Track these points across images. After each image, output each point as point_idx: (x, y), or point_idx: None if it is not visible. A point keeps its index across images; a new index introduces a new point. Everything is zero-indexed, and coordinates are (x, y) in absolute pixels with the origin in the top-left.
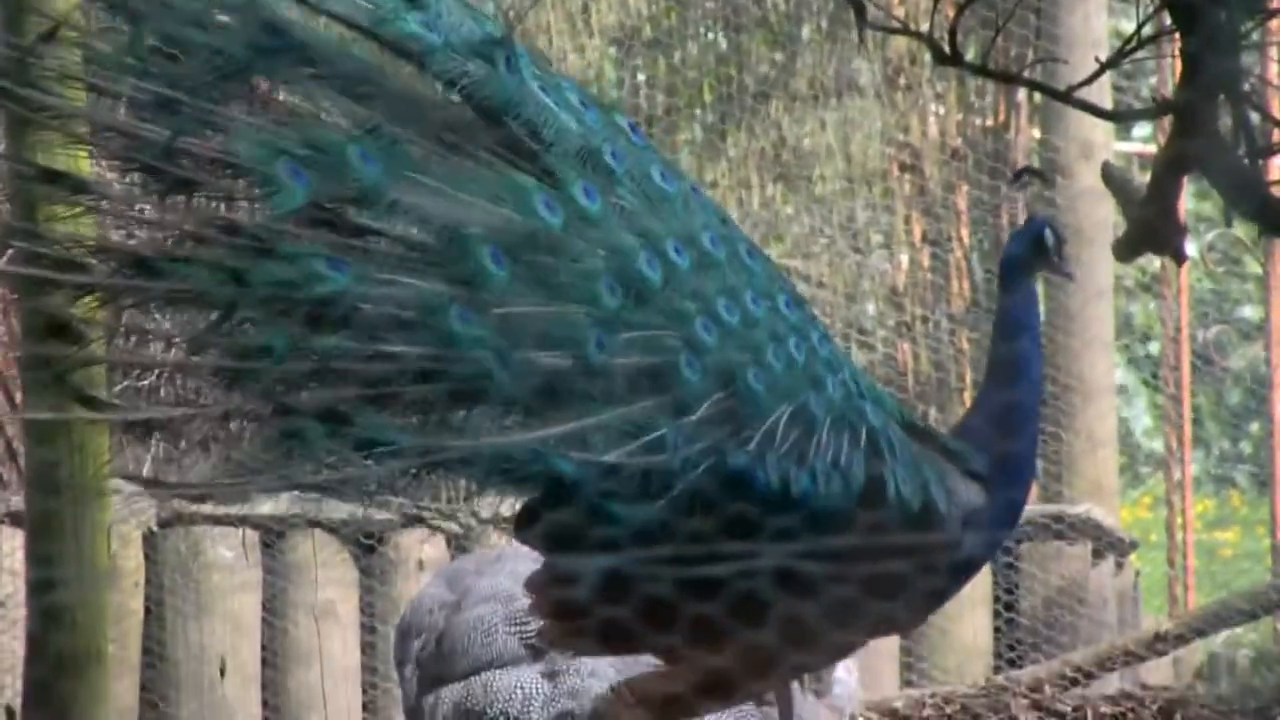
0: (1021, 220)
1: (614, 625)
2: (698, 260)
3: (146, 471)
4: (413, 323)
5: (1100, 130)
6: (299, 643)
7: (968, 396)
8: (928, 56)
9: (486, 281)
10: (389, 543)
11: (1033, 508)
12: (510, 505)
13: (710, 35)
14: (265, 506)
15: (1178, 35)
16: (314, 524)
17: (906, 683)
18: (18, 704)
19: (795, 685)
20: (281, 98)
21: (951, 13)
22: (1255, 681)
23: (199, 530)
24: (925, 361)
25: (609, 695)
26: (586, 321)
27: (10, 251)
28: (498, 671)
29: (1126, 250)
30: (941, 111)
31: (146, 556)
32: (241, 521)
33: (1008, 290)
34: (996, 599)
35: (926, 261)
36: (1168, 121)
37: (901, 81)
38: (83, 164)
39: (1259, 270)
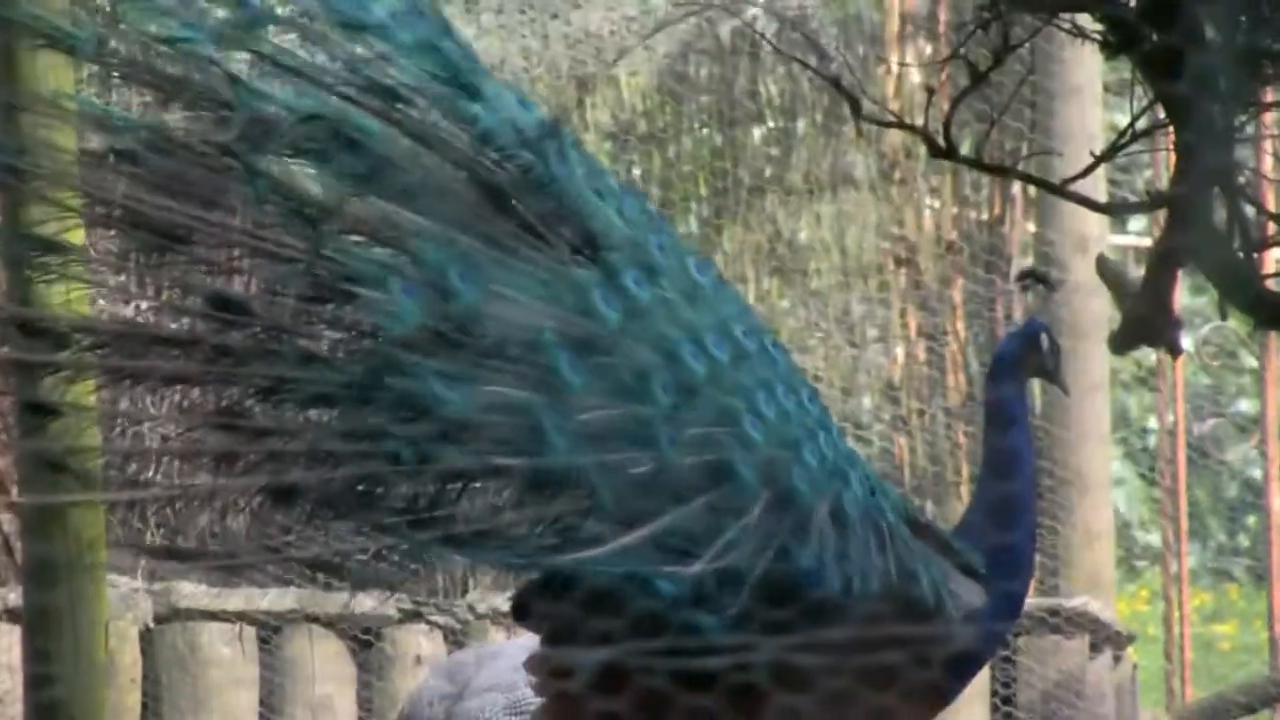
0: (1018, 315)
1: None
2: (735, 354)
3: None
4: (511, 434)
5: (1095, 223)
6: None
7: (964, 490)
8: (922, 150)
9: (563, 384)
10: (386, 638)
11: (1030, 601)
12: (505, 599)
13: (705, 130)
14: (261, 602)
15: (1172, 129)
16: (311, 619)
17: None
18: None
19: None
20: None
21: (946, 106)
22: None
23: (196, 626)
24: (921, 455)
25: None
26: (656, 420)
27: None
28: None
29: (1122, 343)
30: (936, 205)
31: (143, 652)
32: (239, 617)
33: (999, 387)
34: (994, 692)
35: (922, 355)
36: (1162, 214)
37: (896, 175)
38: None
39: (1254, 364)
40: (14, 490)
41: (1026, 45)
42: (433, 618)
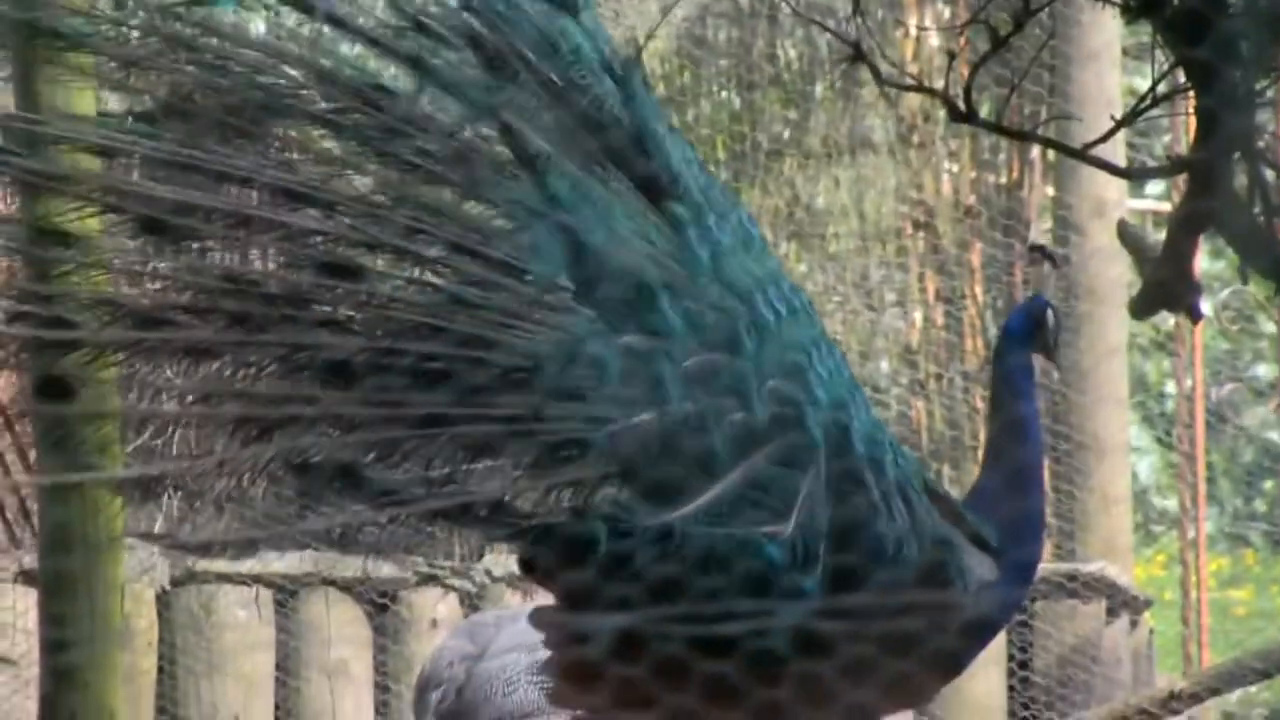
0: (1035, 280)
1: (633, 686)
2: (790, 308)
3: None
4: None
5: (1114, 188)
6: (312, 702)
7: (981, 454)
8: (941, 114)
9: (668, 329)
10: (402, 601)
11: (1047, 566)
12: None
13: (724, 94)
14: (278, 565)
15: (1192, 93)
16: (327, 583)
17: None
18: None
19: None
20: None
21: (966, 70)
22: None
23: (212, 589)
24: (939, 419)
25: None
26: (744, 368)
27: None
28: None
29: (1141, 308)
30: (955, 169)
31: (159, 615)
32: (255, 580)
33: (1006, 360)
34: (1010, 657)
35: (940, 319)
36: (1182, 179)
37: (915, 139)
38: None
39: (1273, 329)
40: (32, 465)
41: (1046, 9)
42: (449, 581)
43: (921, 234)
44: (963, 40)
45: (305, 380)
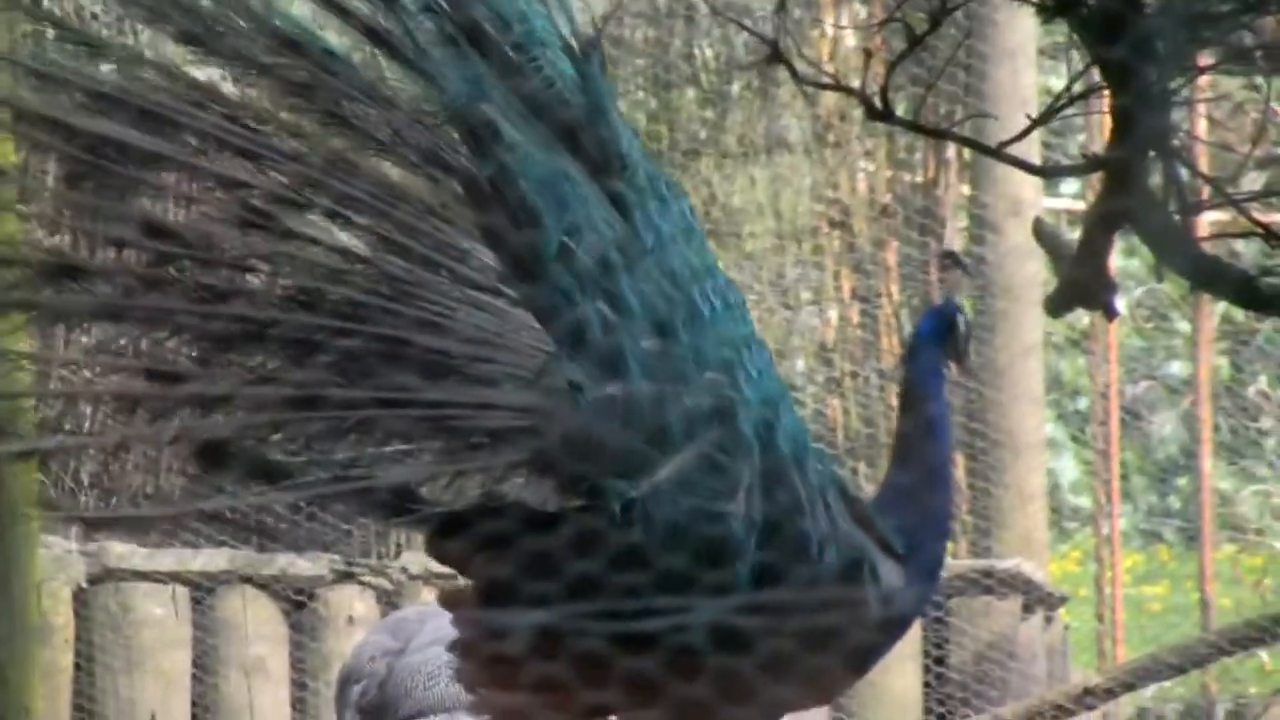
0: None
1: (553, 681)
2: (725, 304)
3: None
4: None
5: (1030, 187)
6: (230, 699)
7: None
8: (858, 113)
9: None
10: (319, 599)
11: (962, 562)
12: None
13: (640, 93)
14: (195, 563)
15: (1107, 92)
16: (245, 580)
17: None
18: None
19: None
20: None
21: (882, 69)
22: None
23: (129, 587)
24: (855, 417)
25: None
26: (683, 354)
27: None
28: (440, 717)
29: (1057, 306)
30: (871, 168)
31: (76, 613)
32: (172, 578)
33: (916, 364)
34: (926, 653)
35: (856, 317)
36: (1097, 178)
37: (831, 138)
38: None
39: (1187, 327)
40: None
41: (962, 8)
42: (366, 579)
43: (837, 233)
44: (879, 39)
45: (216, 351)
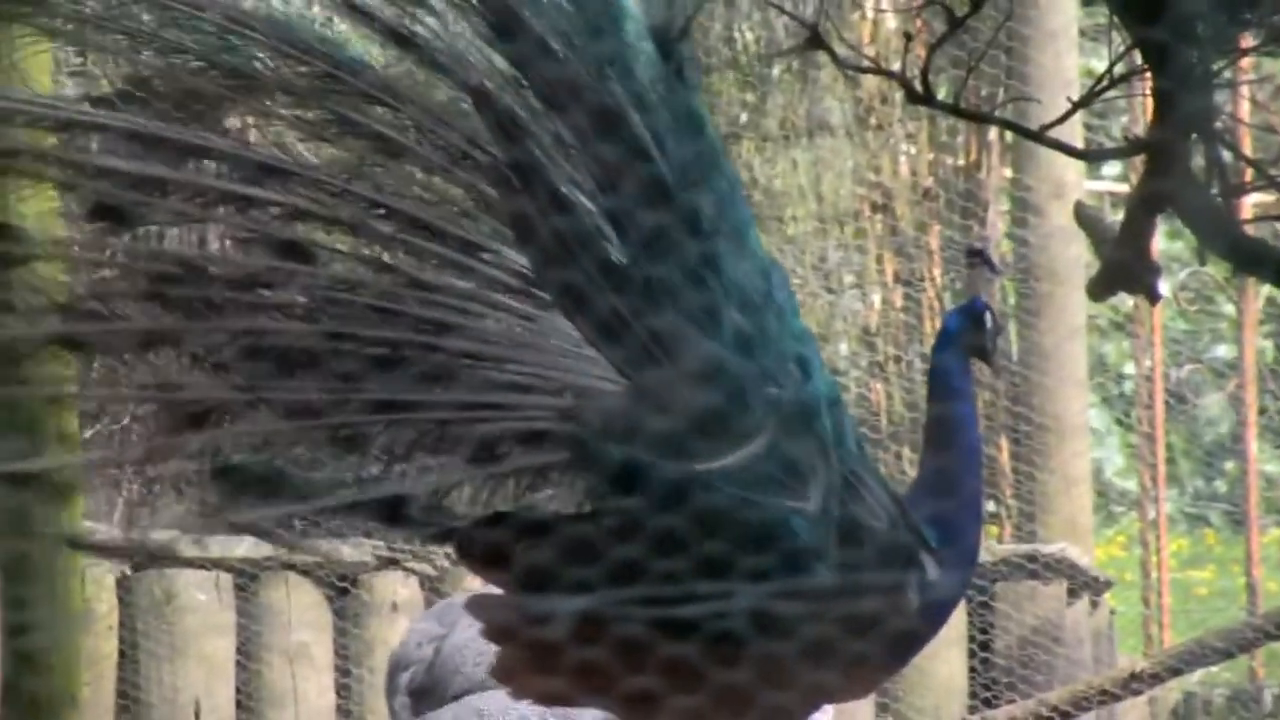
0: (996, 259)
1: (592, 668)
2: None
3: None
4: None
5: (1072, 169)
6: (273, 685)
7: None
8: (899, 96)
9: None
10: (363, 585)
11: (1007, 547)
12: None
13: None
14: (238, 549)
15: (1149, 74)
16: (288, 567)
17: None
18: None
19: None
20: None
21: (923, 52)
22: None
23: (172, 573)
24: (898, 401)
25: None
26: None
27: None
28: (490, 694)
29: (1100, 290)
30: (913, 151)
31: (120, 600)
32: (215, 565)
33: (943, 360)
34: (971, 639)
35: (899, 301)
36: (1139, 160)
37: (873, 121)
38: None
39: (1232, 309)
40: None
41: None
42: (409, 565)
43: (879, 216)
44: (920, 22)
45: (249, 368)
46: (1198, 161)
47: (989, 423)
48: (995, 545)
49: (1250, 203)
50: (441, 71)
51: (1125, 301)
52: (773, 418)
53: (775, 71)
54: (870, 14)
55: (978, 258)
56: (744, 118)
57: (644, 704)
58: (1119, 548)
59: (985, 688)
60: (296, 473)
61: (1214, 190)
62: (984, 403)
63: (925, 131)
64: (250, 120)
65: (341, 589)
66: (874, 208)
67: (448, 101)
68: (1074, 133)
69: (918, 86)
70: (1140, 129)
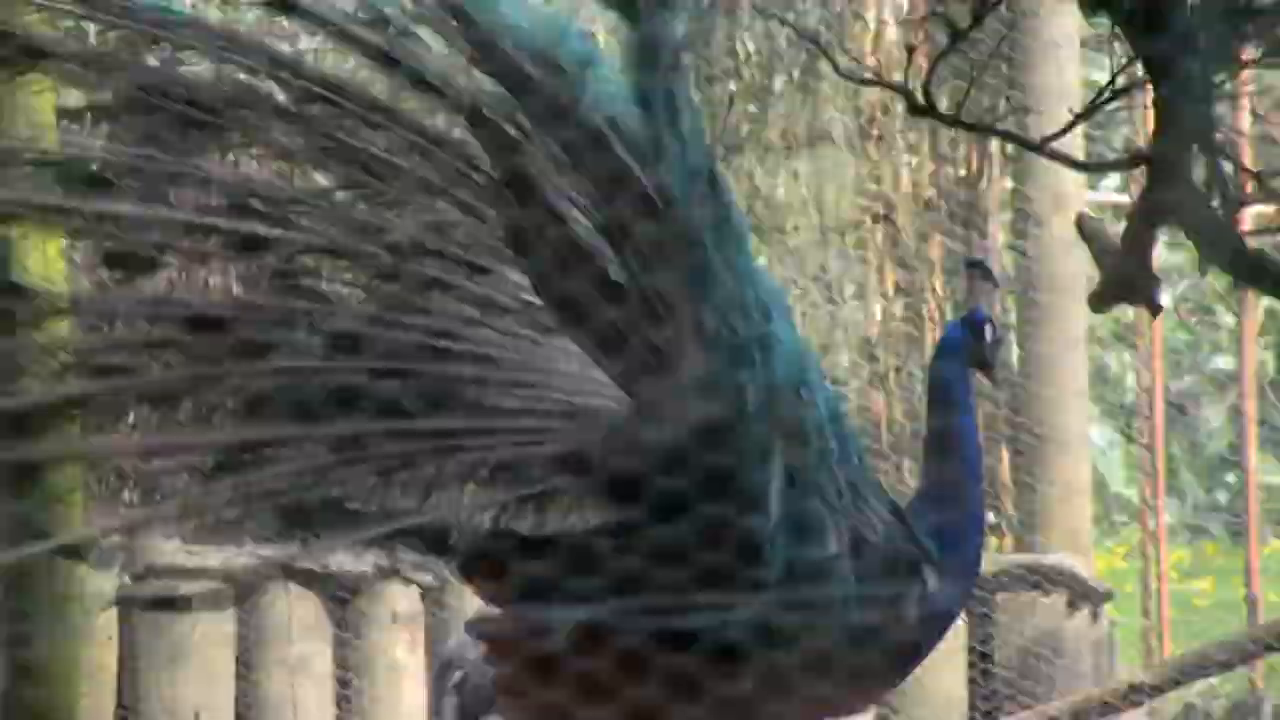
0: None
1: (592, 681)
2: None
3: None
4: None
5: (1073, 180)
6: (273, 696)
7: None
8: (900, 107)
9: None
10: (363, 596)
11: (1007, 557)
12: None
13: None
14: (238, 560)
15: (1150, 86)
16: (288, 577)
17: None
18: None
19: None
20: None
21: (925, 63)
22: None
23: (172, 584)
24: (899, 412)
25: None
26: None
27: None
28: None
29: (1101, 301)
30: (914, 162)
31: (119, 610)
32: (215, 575)
33: (942, 371)
34: (971, 649)
35: (900, 312)
36: (1141, 172)
37: (874, 132)
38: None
39: (1232, 321)
40: None
41: (1004, 2)
42: (409, 575)
43: (881, 227)
44: (922, 34)
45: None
46: (1199, 173)
47: (989, 433)
48: (996, 556)
49: (1251, 214)
50: (435, 93)
51: (1126, 312)
52: (776, 433)
53: (777, 82)
54: (872, 25)
55: (977, 269)
56: (745, 128)
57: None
58: (1119, 559)
59: (985, 699)
60: (354, 505)
61: (1215, 202)
62: (984, 413)
63: (926, 142)
64: (247, 148)
65: (341, 600)
66: (875, 218)
67: (443, 124)
68: (1075, 144)
69: (919, 98)
70: (1142, 140)
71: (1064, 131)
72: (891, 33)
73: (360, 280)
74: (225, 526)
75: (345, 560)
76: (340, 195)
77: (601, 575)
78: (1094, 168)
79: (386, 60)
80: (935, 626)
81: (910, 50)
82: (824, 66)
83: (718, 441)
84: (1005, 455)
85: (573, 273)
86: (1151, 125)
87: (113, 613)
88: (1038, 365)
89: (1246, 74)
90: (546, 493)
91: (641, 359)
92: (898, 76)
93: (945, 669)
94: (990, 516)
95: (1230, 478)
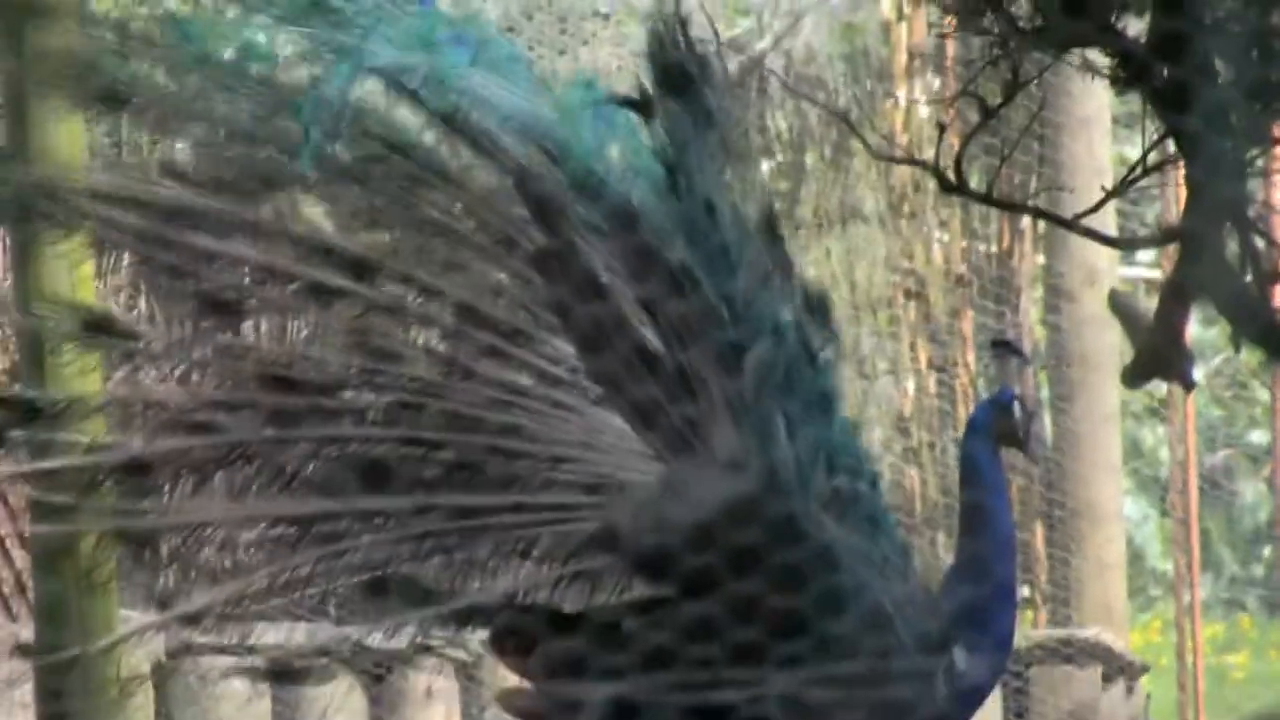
0: (1027, 348)
1: None
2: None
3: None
4: None
5: (1105, 256)
6: None
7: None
8: (931, 183)
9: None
10: (398, 671)
11: (1042, 632)
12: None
13: None
14: (270, 636)
15: (1182, 162)
16: (323, 654)
17: None
18: None
19: None
20: None
21: (956, 141)
22: None
23: (208, 660)
24: (933, 487)
25: None
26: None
27: None
28: None
29: (1134, 377)
30: (946, 238)
31: (155, 688)
32: (250, 651)
33: (972, 452)
34: None
35: (932, 387)
36: (1173, 247)
37: (905, 209)
38: None
39: (1266, 395)
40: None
41: (1035, 81)
42: (444, 651)
43: (913, 303)
44: (952, 111)
45: (344, 485)
46: (1231, 249)
47: (1023, 508)
48: (1030, 630)
49: None
50: (484, 154)
51: (1159, 387)
52: (811, 508)
53: (809, 160)
54: (903, 103)
55: (1004, 348)
56: (778, 206)
57: None
58: (1155, 632)
59: None
60: (428, 581)
61: (1247, 277)
62: (1018, 488)
63: (958, 218)
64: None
65: (377, 675)
66: (907, 294)
67: (495, 186)
68: (1107, 219)
69: (950, 176)
70: (1174, 215)
71: (1096, 208)
72: (923, 111)
73: (422, 344)
74: (308, 602)
75: (379, 636)
76: (403, 252)
77: (632, 651)
78: (1126, 244)
79: (444, 119)
80: (966, 701)
81: (941, 128)
82: (855, 144)
83: (749, 517)
84: (1040, 529)
85: (614, 342)
86: (1183, 201)
87: (149, 690)
88: (1072, 440)
89: (1278, 150)
90: (581, 572)
91: (678, 431)
92: (929, 154)
93: None
94: (1024, 590)
95: (1266, 551)
